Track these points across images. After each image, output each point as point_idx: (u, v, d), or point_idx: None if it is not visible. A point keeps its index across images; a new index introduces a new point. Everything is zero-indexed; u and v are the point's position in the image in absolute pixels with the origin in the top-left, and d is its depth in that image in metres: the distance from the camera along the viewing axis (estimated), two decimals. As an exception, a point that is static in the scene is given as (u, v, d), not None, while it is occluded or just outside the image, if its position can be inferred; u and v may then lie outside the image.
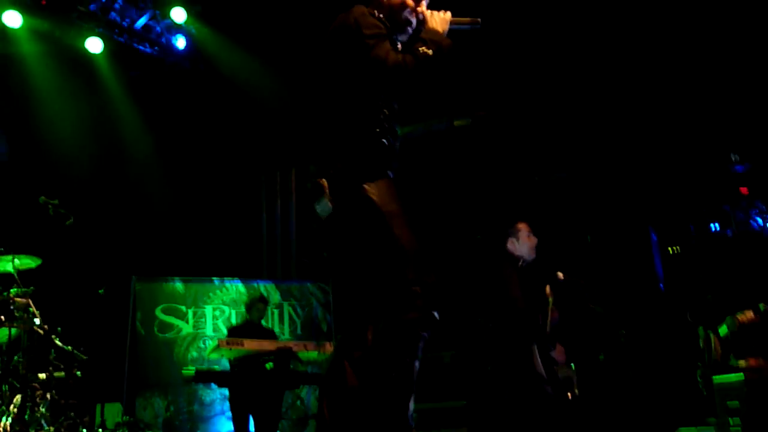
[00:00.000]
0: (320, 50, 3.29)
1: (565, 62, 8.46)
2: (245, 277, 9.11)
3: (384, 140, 3.16)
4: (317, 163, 3.18)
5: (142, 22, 8.88)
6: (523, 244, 5.77)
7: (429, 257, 3.13)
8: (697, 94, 7.92)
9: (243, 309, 8.22)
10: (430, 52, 3.07)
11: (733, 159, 7.80)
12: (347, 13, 3.20)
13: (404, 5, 3.32)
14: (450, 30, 3.24)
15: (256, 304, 7.55)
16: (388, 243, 3.05)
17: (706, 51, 7.73)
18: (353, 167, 3.11)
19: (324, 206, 3.08)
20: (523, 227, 5.83)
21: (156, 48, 9.14)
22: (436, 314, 3.12)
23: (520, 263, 5.73)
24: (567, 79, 8.53)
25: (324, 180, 3.09)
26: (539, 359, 5.43)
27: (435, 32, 3.16)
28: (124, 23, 8.80)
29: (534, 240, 5.82)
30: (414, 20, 3.33)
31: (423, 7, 3.31)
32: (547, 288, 5.87)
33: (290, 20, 8.79)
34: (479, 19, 3.30)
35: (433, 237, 8.75)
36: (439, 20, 3.20)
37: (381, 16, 3.26)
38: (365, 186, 3.08)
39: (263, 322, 7.76)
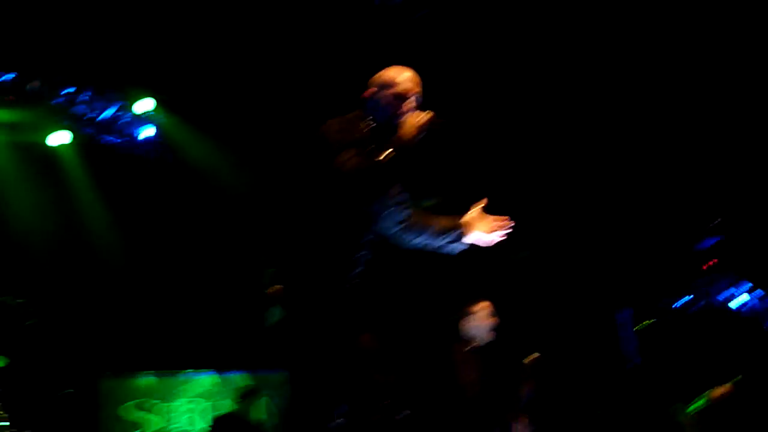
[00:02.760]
0: (300, 155, 3.37)
1: (523, 141, 8.59)
2: (217, 368, 8.97)
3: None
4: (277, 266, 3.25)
5: (109, 113, 8.92)
6: (480, 325, 5.73)
7: (390, 356, 3.14)
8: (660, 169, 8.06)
9: (216, 401, 8.10)
10: (387, 156, 3.12)
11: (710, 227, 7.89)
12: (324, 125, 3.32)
13: (390, 109, 3.37)
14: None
15: (242, 399, 7.59)
16: (348, 340, 3.09)
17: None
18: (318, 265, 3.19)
19: (274, 314, 3.14)
20: (483, 308, 5.79)
21: (125, 139, 9.17)
22: (402, 414, 3.13)
23: (475, 344, 5.70)
24: (532, 162, 8.65)
25: (279, 288, 3.15)
26: None
27: (403, 138, 3.20)
28: (91, 115, 8.83)
29: (493, 322, 5.78)
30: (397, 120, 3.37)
31: (407, 106, 3.34)
32: (524, 363, 5.85)
33: (257, 110, 8.89)
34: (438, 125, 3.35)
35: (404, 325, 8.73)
36: (412, 126, 3.22)
37: (369, 118, 3.36)
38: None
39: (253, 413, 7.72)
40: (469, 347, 5.68)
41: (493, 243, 3.51)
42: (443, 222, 3.59)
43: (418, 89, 3.41)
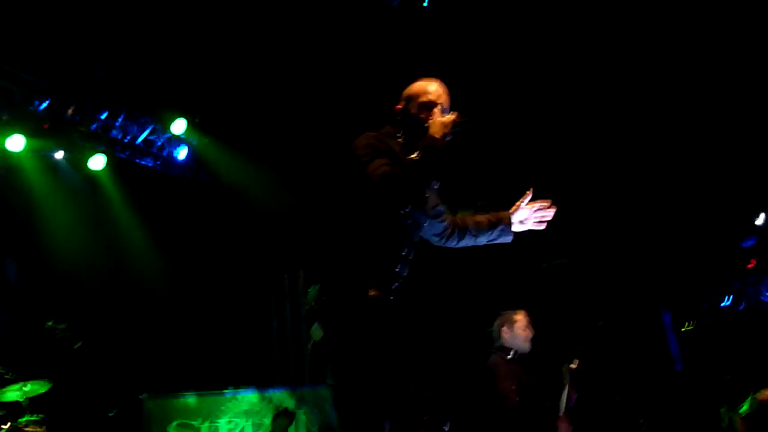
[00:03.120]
0: (332, 170, 3.42)
1: (556, 146, 8.55)
2: (258, 385, 9.00)
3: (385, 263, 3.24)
4: (310, 270, 3.32)
5: (143, 136, 9.04)
6: (517, 335, 5.69)
7: (428, 370, 3.13)
8: (699, 171, 7.96)
9: (258, 419, 8.13)
10: (416, 157, 3.17)
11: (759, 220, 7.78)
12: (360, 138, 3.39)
13: (419, 118, 3.40)
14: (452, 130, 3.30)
15: (277, 419, 7.71)
16: (387, 356, 3.08)
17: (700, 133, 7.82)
18: (355, 281, 3.18)
19: (316, 331, 3.16)
20: (520, 318, 5.75)
21: (158, 162, 9.29)
22: (445, 428, 3.10)
23: (512, 355, 5.64)
24: (566, 167, 8.59)
25: (315, 305, 3.20)
26: None
27: (430, 138, 3.24)
28: (125, 140, 8.95)
29: (530, 332, 5.72)
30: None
31: (436, 113, 3.37)
32: (564, 369, 5.77)
33: (289, 127, 8.95)
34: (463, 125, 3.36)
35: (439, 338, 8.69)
36: (439, 125, 3.26)
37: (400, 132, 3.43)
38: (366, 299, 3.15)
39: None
40: (502, 359, 5.63)
41: (539, 227, 3.62)
42: (483, 220, 3.67)
43: (445, 98, 3.47)
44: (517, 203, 3.65)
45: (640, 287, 8.03)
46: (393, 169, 3.15)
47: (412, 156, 3.18)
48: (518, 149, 8.65)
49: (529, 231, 3.69)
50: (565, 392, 5.64)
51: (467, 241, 3.71)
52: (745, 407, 6.69)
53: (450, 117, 3.29)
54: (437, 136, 3.23)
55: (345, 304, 3.16)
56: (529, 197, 3.63)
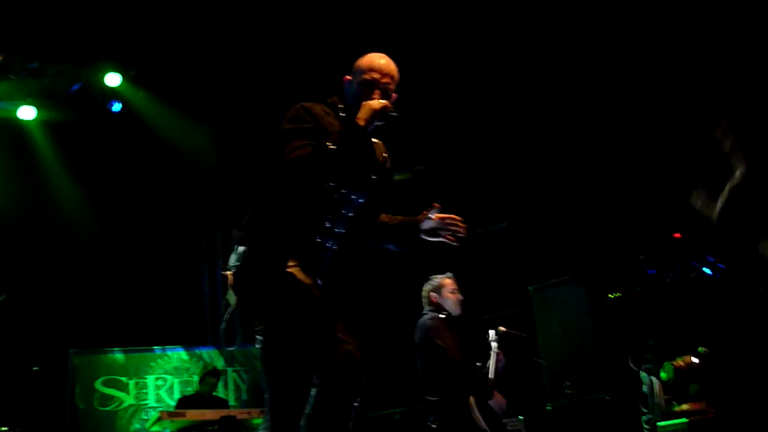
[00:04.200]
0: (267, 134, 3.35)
1: (499, 114, 8.61)
2: (188, 343, 8.96)
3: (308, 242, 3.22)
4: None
5: (75, 88, 8.81)
6: (446, 299, 5.77)
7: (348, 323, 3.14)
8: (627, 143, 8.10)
9: (186, 377, 8.12)
10: (331, 145, 3.08)
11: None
12: (296, 105, 3.29)
13: (358, 95, 3.31)
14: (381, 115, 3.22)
15: (206, 378, 7.66)
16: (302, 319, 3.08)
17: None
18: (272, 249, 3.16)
19: (231, 297, 3.17)
20: (448, 283, 5.84)
21: (91, 113, 9.07)
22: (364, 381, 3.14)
23: (445, 315, 5.71)
24: (500, 130, 8.67)
25: (228, 273, 3.19)
26: (477, 412, 5.41)
27: (353, 124, 3.18)
28: (57, 90, 8.72)
29: (458, 296, 5.80)
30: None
31: (375, 95, 3.28)
32: (490, 333, 5.86)
33: (227, 83, 8.81)
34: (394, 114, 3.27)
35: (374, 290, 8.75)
36: (367, 110, 3.18)
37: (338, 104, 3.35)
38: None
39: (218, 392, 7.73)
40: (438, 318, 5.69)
41: (451, 241, 3.41)
42: (395, 219, 3.54)
43: (390, 78, 3.35)
44: (425, 212, 3.44)
45: (568, 255, 8.17)
46: (306, 153, 3.08)
47: (329, 142, 3.10)
48: (458, 113, 8.68)
49: (441, 242, 3.45)
50: (493, 356, 5.74)
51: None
52: (663, 374, 6.91)
53: (380, 103, 3.20)
54: (361, 123, 3.16)
55: (257, 273, 3.13)
56: (437, 209, 3.42)
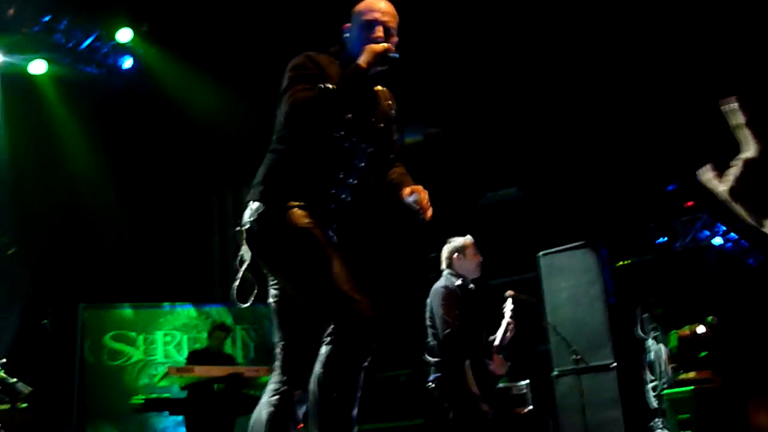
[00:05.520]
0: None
1: (513, 81, 8.54)
2: (197, 301, 9.00)
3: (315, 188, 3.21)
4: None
5: (87, 43, 8.76)
6: (469, 261, 5.80)
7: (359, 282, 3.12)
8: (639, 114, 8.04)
9: (194, 333, 8.17)
10: (330, 86, 3.09)
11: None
12: (301, 54, 3.30)
13: (360, 39, 3.32)
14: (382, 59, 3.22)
15: (215, 332, 7.73)
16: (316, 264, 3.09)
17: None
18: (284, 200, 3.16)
19: (244, 254, 3.18)
20: (469, 244, 5.85)
21: (102, 69, 9.03)
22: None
23: (462, 281, 5.75)
24: (515, 97, 8.60)
25: (242, 228, 3.18)
26: (472, 377, 5.45)
27: (355, 66, 3.18)
28: (68, 45, 8.67)
29: (479, 258, 5.84)
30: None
31: (378, 32, 3.29)
32: (508, 302, 5.90)
33: (240, 40, 8.73)
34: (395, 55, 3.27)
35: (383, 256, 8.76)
36: (370, 52, 3.19)
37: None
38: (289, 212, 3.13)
39: (226, 348, 7.74)
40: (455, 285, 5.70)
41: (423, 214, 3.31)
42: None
43: (390, 18, 3.36)
44: (408, 190, 3.31)
45: (578, 221, 8.14)
46: (307, 96, 3.09)
47: (329, 84, 3.10)
48: (470, 78, 8.60)
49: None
50: (504, 325, 5.79)
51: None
52: (672, 341, 6.93)
53: (382, 46, 3.21)
54: (363, 65, 3.16)
55: (274, 228, 3.12)
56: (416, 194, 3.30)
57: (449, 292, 5.64)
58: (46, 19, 8.29)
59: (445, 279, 5.77)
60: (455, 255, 5.81)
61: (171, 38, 9.01)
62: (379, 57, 3.19)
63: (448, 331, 5.48)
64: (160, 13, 8.75)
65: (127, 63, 9.05)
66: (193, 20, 8.72)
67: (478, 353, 5.62)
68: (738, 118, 1.05)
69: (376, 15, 3.32)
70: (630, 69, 8.00)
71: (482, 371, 5.56)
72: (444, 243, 5.95)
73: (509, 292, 6.02)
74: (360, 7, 3.39)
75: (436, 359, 5.62)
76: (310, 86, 3.12)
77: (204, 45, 8.91)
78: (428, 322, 5.71)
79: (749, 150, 1.06)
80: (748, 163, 1.07)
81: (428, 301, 5.73)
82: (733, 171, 1.06)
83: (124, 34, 8.70)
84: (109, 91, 9.18)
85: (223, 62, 8.95)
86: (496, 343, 5.73)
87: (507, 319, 5.81)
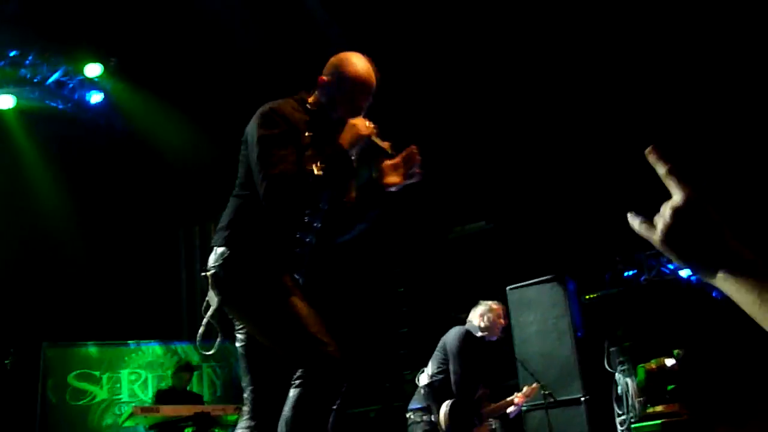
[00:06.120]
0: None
1: (482, 115, 8.61)
2: (163, 337, 8.89)
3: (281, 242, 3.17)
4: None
5: (54, 77, 8.71)
6: (493, 323, 6.06)
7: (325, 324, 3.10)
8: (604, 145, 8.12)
9: (160, 372, 8.05)
10: (317, 170, 2.97)
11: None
12: (265, 106, 3.15)
13: (338, 99, 3.20)
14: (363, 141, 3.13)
15: (178, 373, 7.63)
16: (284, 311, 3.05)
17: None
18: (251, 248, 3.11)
19: (210, 299, 3.13)
20: (497, 309, 6.16)
21: (69, 104, 8.98)
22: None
23: (481, 336, 6.02)
24: (484, 131, 8.66)
25: (209, 274, 3.11)
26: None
27: (339, 147, 3.06)
28: (35, 79, 8.62)
29: (503, 323, 6.16)
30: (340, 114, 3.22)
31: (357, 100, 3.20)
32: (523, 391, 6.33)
33: (209, 75, 8.74)
34: (393, 152, 3.18)
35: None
36: (354, 134, 3.08)
37: (309, 105, 3.23)
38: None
39: (193, 387, 7.71)
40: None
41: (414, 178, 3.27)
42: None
43: (374, 88, 3.25)
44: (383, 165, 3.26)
45: (546, 255, 8.19)
46: (289, 171, 2.96)
47: (314, 167, 2.97)
48: (438, 113, 8.66)
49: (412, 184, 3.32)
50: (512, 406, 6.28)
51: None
52: (640, 374, 6.94)
53: (368, 128, 3.09)
54: (346, 145, 3.05)
55: (241, 275, 3.08)
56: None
57: (471, 337, 5.92)
58: (13, 53, 8.25)
59: (470, 325, 6.06)
60: (484, 316, 6.09)
61: (139, 73, 8.99)
62: (363, 140, 3.10)
63: (461, 372, 5.73)
64: (129, 48, 8.74)
65: (95, 98, 9.02)
66: (161, 56, 8.73)
67: (471, 402, 5.90)
68: (659, 168, 1.06)
69: (372, 88, 3.22)
70: (597, 105, 8.10)
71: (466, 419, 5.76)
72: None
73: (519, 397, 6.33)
74: (351, 66, 3.23)
75: (427, 389, 5.84)
76: (289, 152, 3.01)
77: (172, 80, 8.91)
78: (438, 354, 5.95)
79: (676, 197, 1.07)
80: (676, 211, 1.09)
81: (444, 338, 6.01)
82: (661, 220, 1.07)
83: (93, 69, 8.67)
84: (76, 125, 9.12)
85: (192, 97, 8.94)
86: (492, 407, 6.17)
87: (516, 396, 6.26)
